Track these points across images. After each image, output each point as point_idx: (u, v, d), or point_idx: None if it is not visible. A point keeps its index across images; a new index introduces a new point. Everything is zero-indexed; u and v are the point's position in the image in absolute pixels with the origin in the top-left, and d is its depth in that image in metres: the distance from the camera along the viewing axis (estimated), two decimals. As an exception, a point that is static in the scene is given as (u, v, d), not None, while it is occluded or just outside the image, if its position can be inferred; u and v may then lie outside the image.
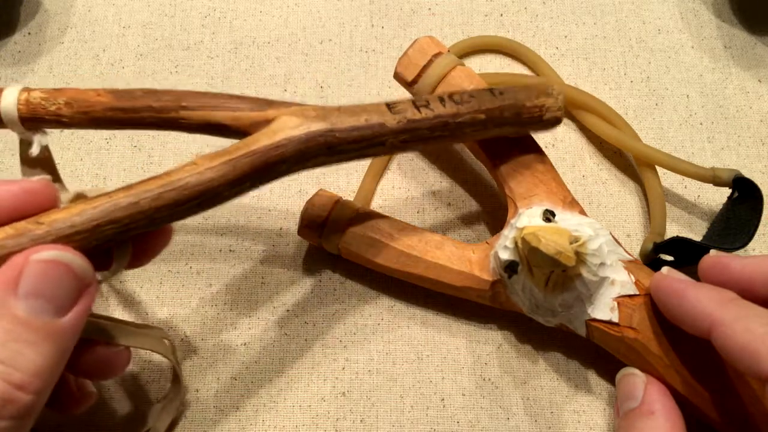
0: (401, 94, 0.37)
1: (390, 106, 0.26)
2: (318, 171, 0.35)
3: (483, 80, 0.31)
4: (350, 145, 0.25)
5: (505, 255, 0.28)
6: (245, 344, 0.31)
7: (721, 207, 0.33)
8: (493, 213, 0.34)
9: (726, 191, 0.32)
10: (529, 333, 0.32)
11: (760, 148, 0.36)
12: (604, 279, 0.27)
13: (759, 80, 0.38)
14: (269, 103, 0.25)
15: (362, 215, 0.31)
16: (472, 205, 0.35)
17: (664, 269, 0.27)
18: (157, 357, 0.31)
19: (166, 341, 0.28)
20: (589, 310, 0.27)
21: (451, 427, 0.30)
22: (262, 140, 0.24)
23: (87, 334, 0.24)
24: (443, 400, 0.30)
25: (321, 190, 0.32)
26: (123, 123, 0.24)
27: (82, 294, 0.21)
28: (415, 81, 0.31)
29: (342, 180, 0.35)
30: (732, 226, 0.31)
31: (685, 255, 0.30)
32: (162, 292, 0.32)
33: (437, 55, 0.31)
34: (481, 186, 0.35)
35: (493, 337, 0.32)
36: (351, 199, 0.34)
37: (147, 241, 0.25)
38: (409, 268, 0.30)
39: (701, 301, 0.24)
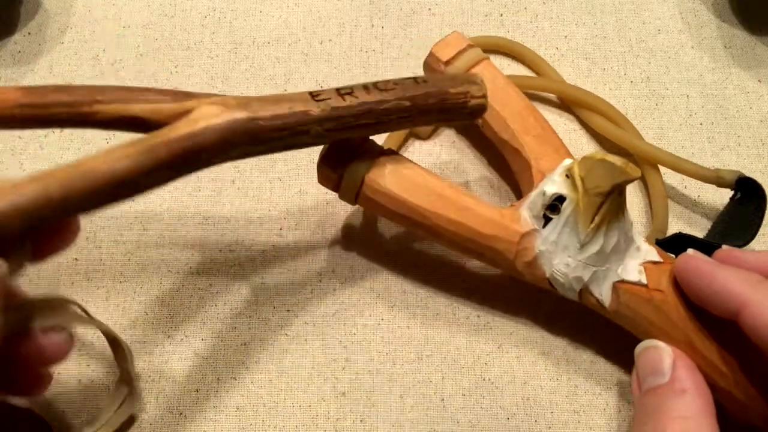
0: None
1: (313, 94, 0.26)
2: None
3: (509, 80, 0.33)
4: (273, 134, 0.25)
5: (553, 188, 0.27)
6: (245, 344, 0.31)
7: (722, 205, 0.33)
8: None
9: (727, 191, 0.32)
10: (529, 333, 0.32)
11: (760, 148, 0.36)
12: (633, 240, 0.28)
13: (759, 80, 0.38)
14: (189, 95, 0.25)
15: (392, 154, 0.29)
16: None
17: (690, 251, 0.27)
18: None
19: (121, 341, 0.28)
20: (619, 271, 0.27)
21: (451, 427, 0.30)
22: (181, 129, 0.23)
23: (17, 323, 0.24)
24: (443, 400, 0.30)
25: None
26: (34, 120, 0.23)
27: None
28: (448, 62, 0.32)
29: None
30: (734, 225, 0.31)
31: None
32: (162, 293, 0.32)
33: (466, 49, 0.33)
34: (480, 186, 0.35)
35: (493, 337, 0.32)
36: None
37: (49, 237, 0.24)
38: (439, 209, 0.28)
39: (730, 281, 0.24)
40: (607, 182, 0.26)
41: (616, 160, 0.25)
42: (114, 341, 0.29)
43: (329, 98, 0.26)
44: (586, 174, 0.26)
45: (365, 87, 0.27)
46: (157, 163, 0.22)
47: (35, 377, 0.26)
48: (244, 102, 0.25)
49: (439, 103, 0.27)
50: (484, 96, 0.28)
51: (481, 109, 0.28)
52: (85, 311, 0.27)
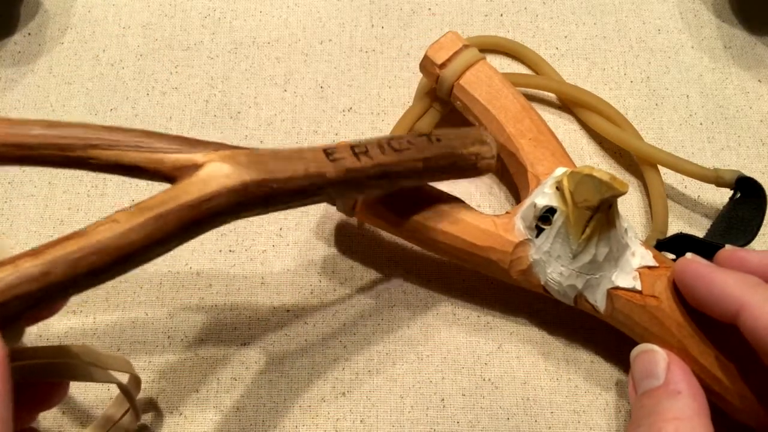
0: (401, 94, 0.37)
1: (328, 152, 0.25)
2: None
3: (507, 81, 0.33)
4: (286, 197, 0.24)
5: (544, 201, 0.27)
6: (245, 344, 0.31)
7: (722, 205, 0.33)
8: (492, 212, 0.34)
9: (727, 190, 0.32)
10: (529, 333, 0.32)
11: (760, 148, 0.36)
12: (627, 246, 0.27)
13: (759, 80, 0.38)
14: (194, 144, 0.23)
15: None
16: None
17: (689, 255, 0.27)
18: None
19: (127, 376, 0.27)
20: (613, 277, 0.27)
21: (451, 427, 0.30)
22: (191, 191, 0.22)
23: (36, 376, 0.23)
24: (443, 400, 0.30)
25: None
26: (20, 159, 0.21)
27: None
28: (443, 65, 0.32)
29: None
30: (734, 225, 0.31)
31: (687, 252, 0.30)
32: (162, 293, 0.32)
33: (461, 49, 0.33)
34: (479, 188, 0.35)
35: (493, 337, 0.32)
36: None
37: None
38: (434, 222, 0.29)
39: (729, 284, 0.24)
40: (594, 197, 0.26)
41: (603, 175, 0.25)
42: (123, 389, 0.27)
43: (344, 158, 0.25)
44: (575, 188, 0.26)
45: (380, 145, 0.26)
46: (166, 233, 0.21)
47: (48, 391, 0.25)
48: (256, 160, 0.23)
49: (449, 164, 0.28)
50: (494, 157, 0.29)
51: (490, 168, 0.29)
52: (96, 355, 0.26)
